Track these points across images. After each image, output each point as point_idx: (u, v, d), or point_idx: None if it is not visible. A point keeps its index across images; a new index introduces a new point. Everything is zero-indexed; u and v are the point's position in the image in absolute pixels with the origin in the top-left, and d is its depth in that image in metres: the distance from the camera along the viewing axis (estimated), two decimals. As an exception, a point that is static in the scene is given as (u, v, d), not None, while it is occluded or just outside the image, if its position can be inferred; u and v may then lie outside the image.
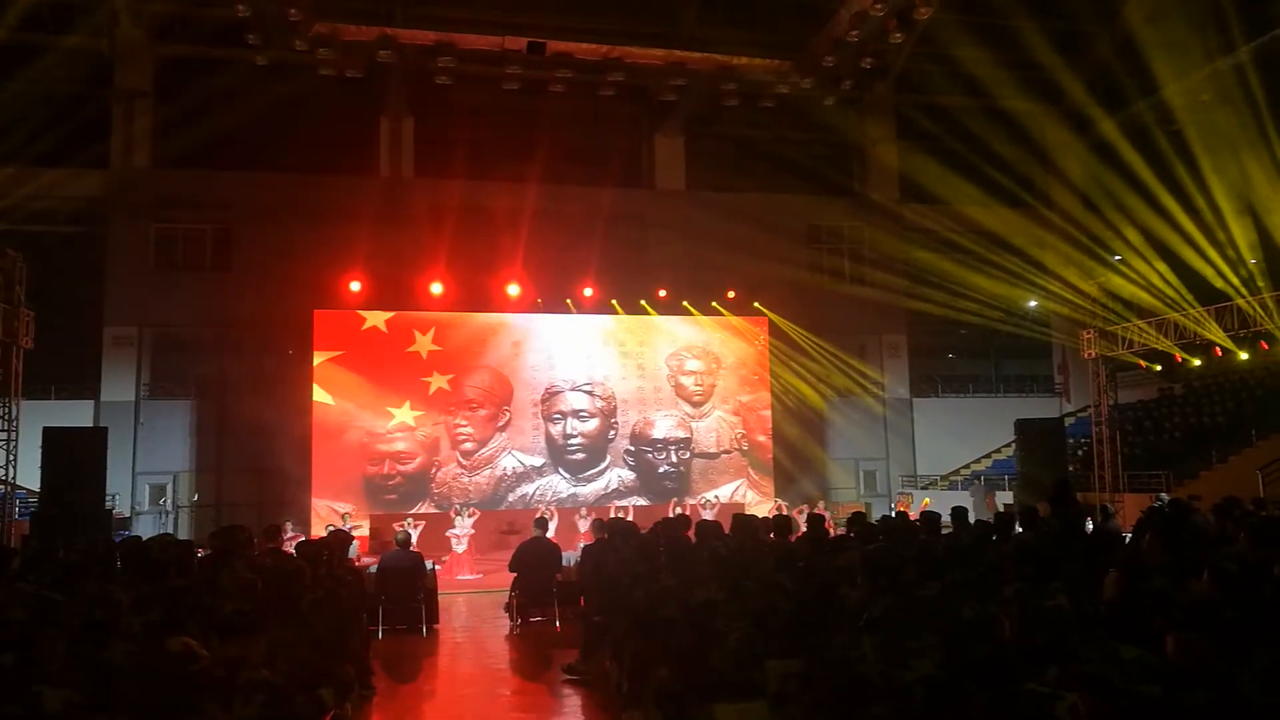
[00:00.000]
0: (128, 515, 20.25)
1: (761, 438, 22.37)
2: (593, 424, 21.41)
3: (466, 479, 20.53)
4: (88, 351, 21.53)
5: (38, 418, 17.11)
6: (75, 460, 15.46)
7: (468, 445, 20.69)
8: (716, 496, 20.72)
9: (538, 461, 21.03)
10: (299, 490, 19.95)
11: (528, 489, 20.81)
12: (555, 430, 21.22)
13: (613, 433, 21.58)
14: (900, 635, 4.02)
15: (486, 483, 20.60)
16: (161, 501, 21.44)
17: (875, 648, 3.98)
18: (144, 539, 9.14)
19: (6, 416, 16.74)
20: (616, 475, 21.40)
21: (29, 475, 16.86)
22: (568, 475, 21.09)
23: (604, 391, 21.58)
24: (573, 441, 21.23)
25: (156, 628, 4.31)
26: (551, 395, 21.30)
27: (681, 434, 21.94)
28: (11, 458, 16.67)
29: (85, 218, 22.10)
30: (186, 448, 21.83)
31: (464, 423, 20.73)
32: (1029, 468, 18.66)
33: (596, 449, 21.41)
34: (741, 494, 21.77)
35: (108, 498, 17.47)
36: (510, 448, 20.93)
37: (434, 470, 20.44)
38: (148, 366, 22.34)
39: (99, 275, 21.61)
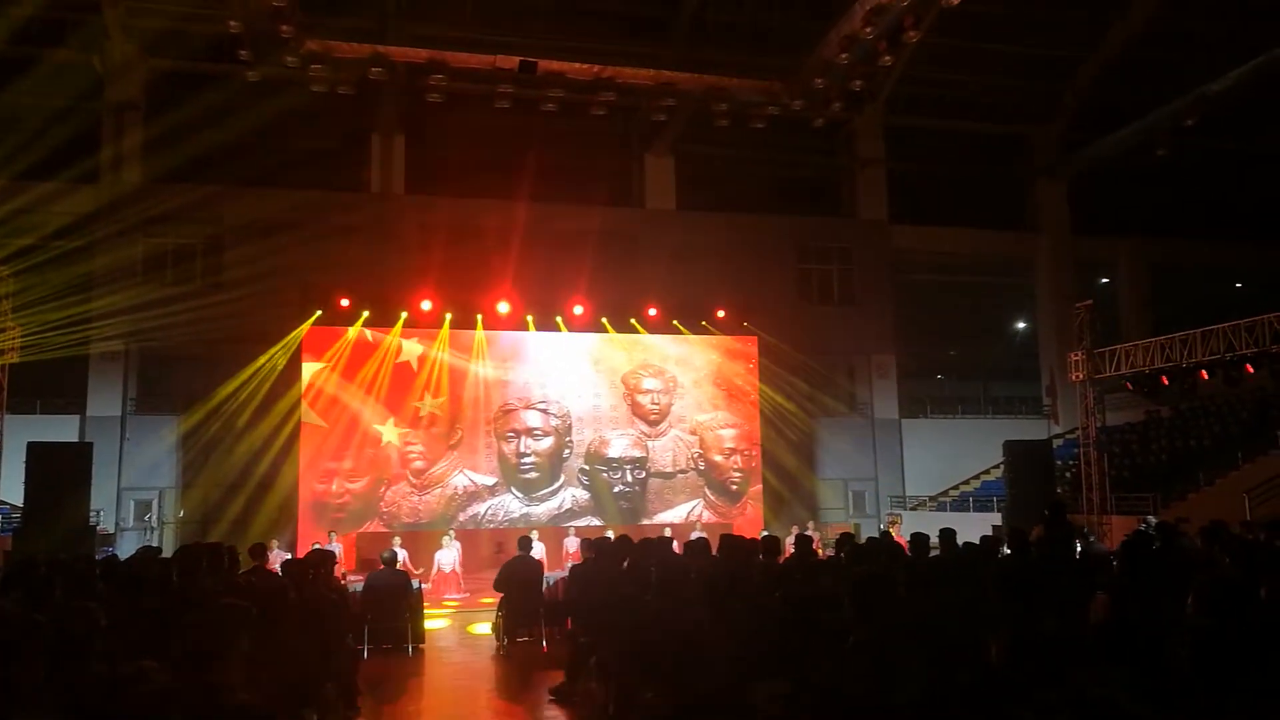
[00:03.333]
0: (112, 531, 20.07)
1: (718, 457, 22.06)
2: (547, 442, 21.07)
3: (416, 498, 20.17)
4: (74, 366, 21.39)
5: (23, 432, 16.99)
6: (60, 475, 15.34)
7: (418, 464, 20.31)
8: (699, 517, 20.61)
9: (489, 480, 20.66)
10: (286, 508, 19.83)
11: (479, 508, 20.45)
12: (508, 449, 20.85)
13: (567, 451, 21.24)
14: (888, 657, 3.99)
15: (436, 502, 20.23)
16: (147, 518, 21.27)
17: (862, 670, 3.96)
18: (125, 557, 9.06)
19: (-10, 431, 16.62)
20: (570, 495, 21.06)
21: (13, 490, 16.72)
22: (520, 495, 20.72)
23: (559, 409, 21.28)
24: (526, 460, 20.85)
25: (136, 648, 4.26)
26: (505, 413, 20.98)
27: (637, 453, 21.66)
28: (-5, 472, 16.54)
29: (74, 232, 21.98)
30: (172, 464, 21.68)
31: (414, 440, 20.43)
32: (1017, 489, 18.67)
33: (550, 468, 21.06)
34: (698, 514, 21.49)
35: (92, 513, 17.32)
36: (462, 466, 20.56)
37: (383, 489, 20.05)
38: (134, 382, 22.22)
39: (86, 290, 21.49)
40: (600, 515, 20.87)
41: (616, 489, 21.36)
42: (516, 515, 20.51)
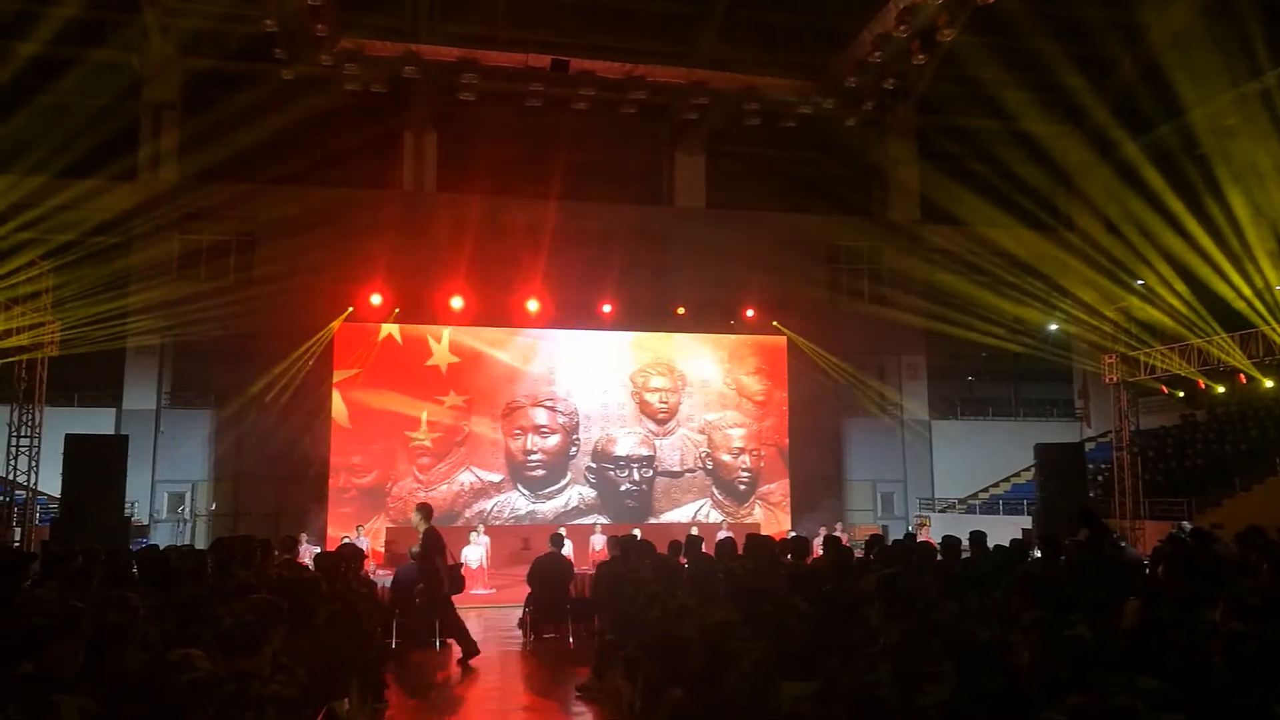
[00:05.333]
0: (146, 523, 20.38)
1: (726, 457, 21.92)
2: (554, 440, 21.07)
3: (423, 494, 20.01)
4: (111, 360, 21.73)
5: (60, 424, 17.27)
6: (96, 467, 15.57)
7: (424, 459, 20.37)
8: (726, 520, 20.53)
9: (496, 477, 20.67)
10: (316, 502, 20.02)
11: (485, 505, 20.44)
12: (515, 446, 20.86)
13: (574, 449, 21.20)
14: (916, 660, 3.98)
15: (443, 498, 20.17)
16: (180, 510, 21.57)
17: (891, 672, 3.94)
18: (161, 548, 9.19)
19: (30, 423, 16.93)
20: (577, 492, 21.03)
21: (50, 481, 17.01)
22: (527, 492, 20.70)
23: (566, 407, 21.26)
24: (533, 458, 20.85)
25: (172, 637, 4.33)
26: (512, 410, 20.99)
27: (645, 452, 21.58)
28: (34, 464, 16.84)
29: (112, 228, 22.33)
30: (205, 457, 21.98)
31: (422, 436, 20.46)
32: (1048, 493, 18.49)
33: (557, 466, 21.03)
34: (705, 514, 21.38)
35: (127, 505, 17.58)
36: (469, 463, 20.59)
37: (389, 484, 20.11)
38: (169, 376, 22.55)
39: (123, 285, 21.82)
40: (607, 513, 20.77)
41: (623, 487, 21.32)
42: (522, 512, 20.58)
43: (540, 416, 21.14)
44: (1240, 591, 4.78)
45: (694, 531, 15.12)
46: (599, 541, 17.07)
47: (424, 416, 20.43)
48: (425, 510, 10.63)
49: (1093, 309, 24.44)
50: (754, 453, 22.13)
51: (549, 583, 11.03)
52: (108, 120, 22.26)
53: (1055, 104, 25.72)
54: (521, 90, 20.90)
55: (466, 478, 20.59)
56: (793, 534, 15.77)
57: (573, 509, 20.89)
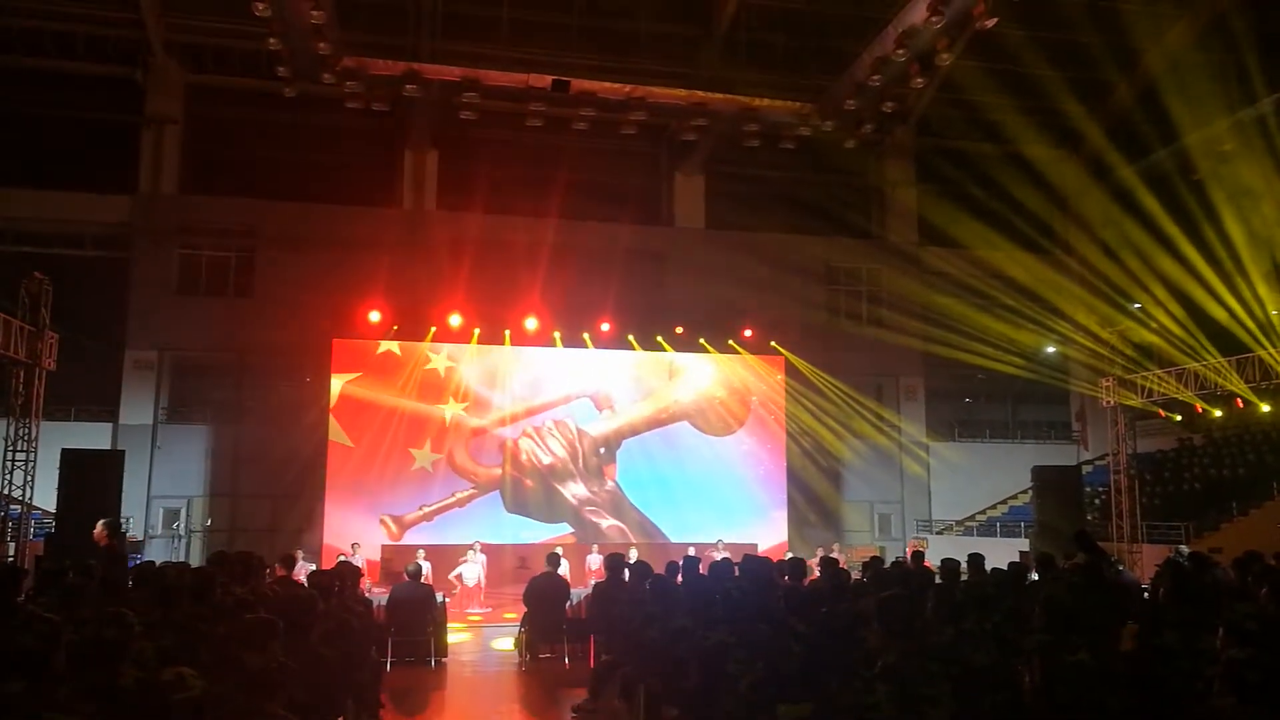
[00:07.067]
0: (141, 539, 20.27)
1: (720, 477, 21.79)
2: (547, 459, 21.03)
3: (414, 511, 20.11)
4: (108, 374, 21.70)
5: (57, 439, 17.19)
6: (91, 482, 15.46)
7: (417, 476, 20.26)
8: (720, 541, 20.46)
9: (488, 495, 20.63)
10: (312, 519, 19.95)
11: (476, 523, 20.10)
12: (508, 464, 20.80)
13: (568, 467, 21.15)
14: (914, 683, 3.97)
15: (434, 514, 20.18)
16: (175, 526, 21.46)
17: (888, 695, 3.93)
18: (157, 564, 9.16)
19: (26, 437, 16.86)
20: (571, 511, 20.94)
21: (46, 496, 16.94)
22: (519, 510, 20.67)
23: (560, 426, 21.24)
24: (526, 476, 20.84)
25: (167, 654, 4.30)
26: (507, 428, 20.96)
27: (638, 470, 21.52)
28: (29, 478, 16.76)
29: (111, 242, 22.38)
30: (202, 473, 21.89)
31: (420, 453, 20.38)
32: (1046, 515, 18.46)
33: (550, 484, 20.96)
34: (700, 534, 21.30)
35: (122, 521, 17.48)
36: (461, 480, 20.55)
37: (383, 501, 20.01)
38: (166, 391, 22.48)
39: (122, 299, 21.84)
40: (599, 533, 20.61)
41: (615, 506, 21.23)
42: (514, 530, 20.45)
43: (534, 435, 21.12)
44: (1239, 617, 4.76)
45: (690, 552, 15.07)
46: (595, 561, 17.00)
47: (422, 434, 20.39)
48: (112, 525, 10.01)
49: (1090, 332, 24.51)
50: (748, 473, 22.06)
51: (545, 602, 11.00)
52: (109, 133, 22.37)
53: (1052, 128, 25.89)
54: (522, 110, 20.96)
55: (459, 495, 20.46)
56: (789, 555, 15.70)
57: (566, 528, 20.79)
